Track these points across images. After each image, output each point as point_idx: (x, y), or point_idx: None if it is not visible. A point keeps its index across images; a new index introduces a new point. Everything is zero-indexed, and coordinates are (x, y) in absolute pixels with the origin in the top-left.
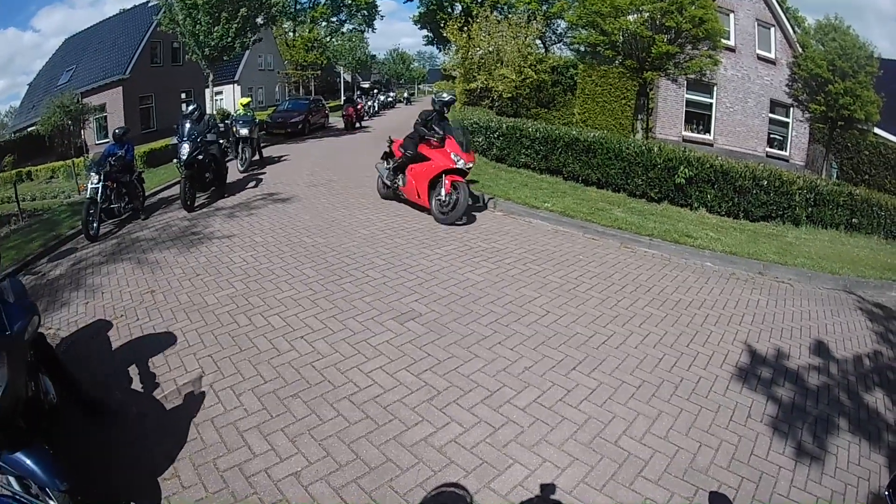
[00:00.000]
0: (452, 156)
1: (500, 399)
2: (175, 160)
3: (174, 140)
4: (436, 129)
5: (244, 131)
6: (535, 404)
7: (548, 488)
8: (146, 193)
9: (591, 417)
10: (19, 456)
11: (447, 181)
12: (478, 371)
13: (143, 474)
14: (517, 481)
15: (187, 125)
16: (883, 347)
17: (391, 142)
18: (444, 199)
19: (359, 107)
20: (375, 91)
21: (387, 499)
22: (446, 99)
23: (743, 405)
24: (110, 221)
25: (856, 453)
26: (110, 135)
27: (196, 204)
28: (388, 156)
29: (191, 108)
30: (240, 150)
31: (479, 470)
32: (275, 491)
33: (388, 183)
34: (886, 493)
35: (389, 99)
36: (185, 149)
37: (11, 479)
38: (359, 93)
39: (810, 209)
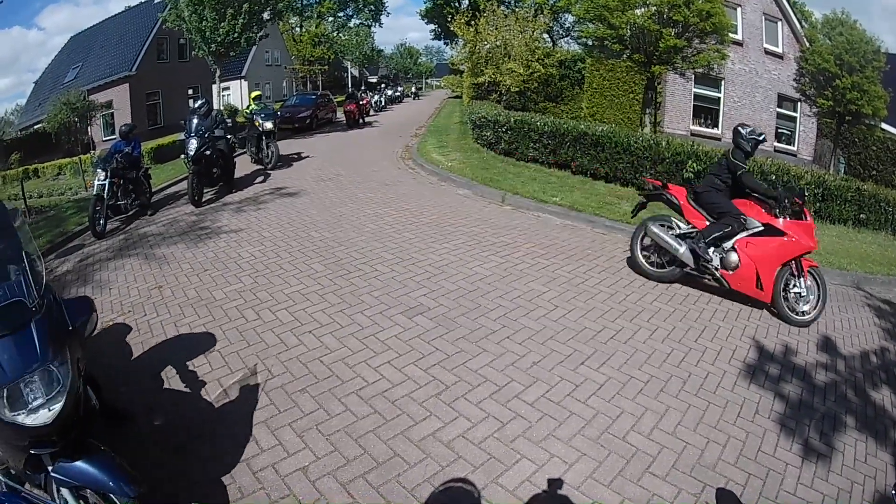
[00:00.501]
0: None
1: (509, 394)
2: (183, 156)
3: (181, 136)
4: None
5: (269, 125)
6: (544, 399)
7: (556, 483)
8: (153, 189)
9: (599, 413)
10: (79, 464)
11: (805, 266)
12: (486, 366)
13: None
14: (525, 476)
15: (195, 121)
16: (890, 344)
17: (664, 187)
18: (804, 292)
19: (363, 102)
20: (382, 85)
21: (394, 494)
22: (760, 136)
23: (751, 401)
24: (117, 218)
25: (862, 451)
26: (117, 132)
27: (203, 199)
28: (641, 207)
29: (199, 102)
30: (264, 146)
31: (487, 465)
32: (282, 486)
33: (690, 258)
34: (893, 491)
35: (397, 93)
36: (193, 144)
37: (65, 491)
38: (363, 87)
39: (818, 204)
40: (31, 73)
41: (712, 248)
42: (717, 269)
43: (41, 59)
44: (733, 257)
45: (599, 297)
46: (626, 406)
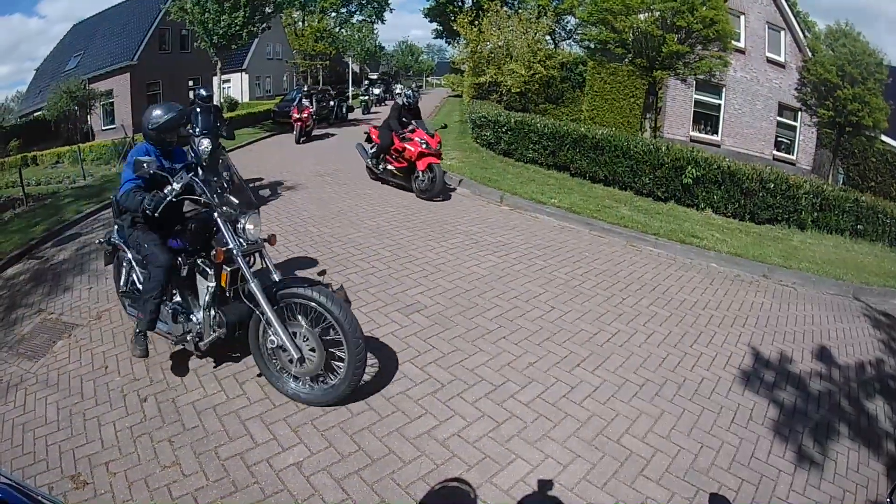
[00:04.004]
0: None
1: (504, 394)
2: (192, 156)
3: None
4: None
5: None
6: (539, 400)
7: (550, 485)
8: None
9: (594, 415)
10: None
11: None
12: (482, 365)
13: None
14: (519, 477)
15: (201, 115)
16: (885, 355)
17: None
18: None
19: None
20: (367, 83)
21: (389, 491)
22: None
23: (745, 407)
24: None
25: (855, 460)
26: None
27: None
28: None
29: (204, 92)
30: None
31: (482, 464)
32: (276, 481)
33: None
34: (888, 500)
35: (398, 91)
36: (206, 144)
37: None
38: (304, 88)
39: (816, 214)
40: (31, 61)
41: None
42: (383, 171)
43: (41, 47)
44: (387, 166)
45: (596, 300)
46: (621, 409)
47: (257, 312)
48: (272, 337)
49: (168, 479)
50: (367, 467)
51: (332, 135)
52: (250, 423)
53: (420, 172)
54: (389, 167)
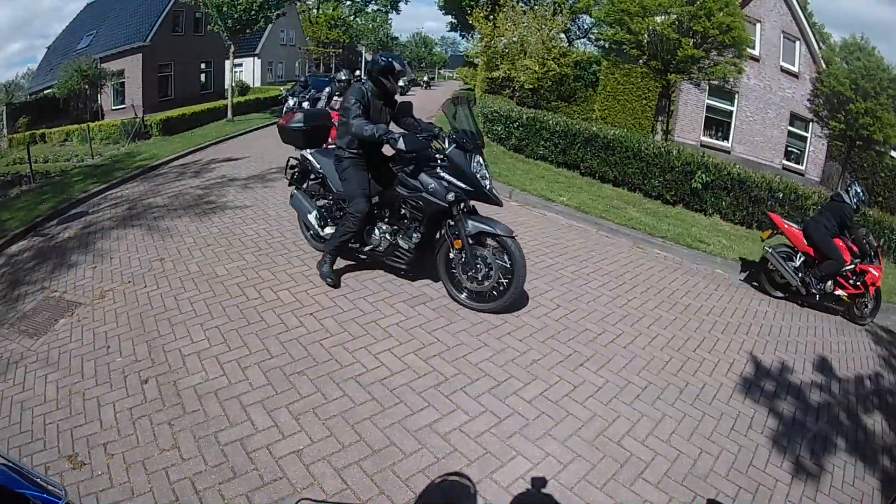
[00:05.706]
0: None
1: (507, 390)
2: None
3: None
4: None
5: None
6: (542, 398)
7: (549, 483)
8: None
9: (595, 415)
10: None
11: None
12: (486, 360)
13: None
14: (519, 474)
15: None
16: (885, 371)
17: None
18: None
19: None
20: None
21: (388, 483)
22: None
23: (745, 415)
24: None
25: (850, 473)
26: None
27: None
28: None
29: (345, 77)
30: None
31: (483, 460)
32: (275, 468)
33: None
34: None
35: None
36: (399, 140)
37: None
38: (343, 76)
39: None
40: (43, 38)
41: (821, 282)
42: (821, 294)
43: (54, 24)
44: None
45: (601, 300)
46: (623, 410)
47: None
48: None
49: (166, 462)
50: (367, 458)
51: None
52: (251, 408)
53: (869, 298)
54: (838, 292)
